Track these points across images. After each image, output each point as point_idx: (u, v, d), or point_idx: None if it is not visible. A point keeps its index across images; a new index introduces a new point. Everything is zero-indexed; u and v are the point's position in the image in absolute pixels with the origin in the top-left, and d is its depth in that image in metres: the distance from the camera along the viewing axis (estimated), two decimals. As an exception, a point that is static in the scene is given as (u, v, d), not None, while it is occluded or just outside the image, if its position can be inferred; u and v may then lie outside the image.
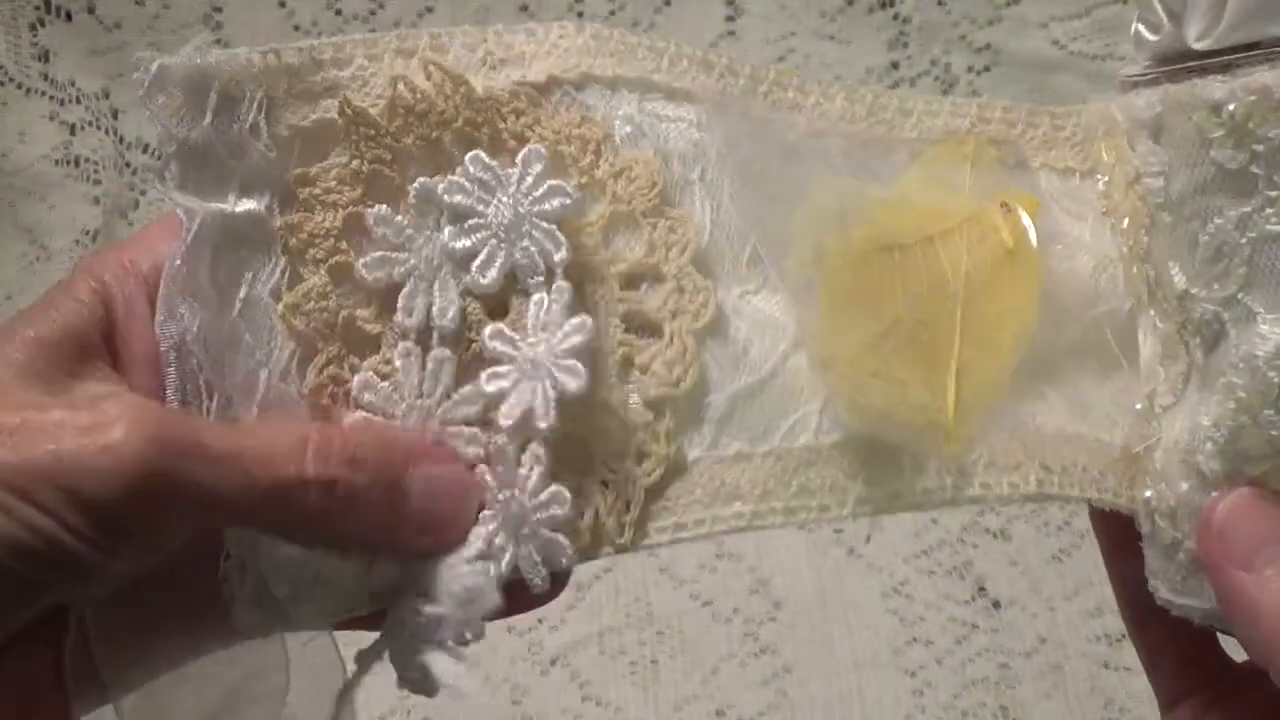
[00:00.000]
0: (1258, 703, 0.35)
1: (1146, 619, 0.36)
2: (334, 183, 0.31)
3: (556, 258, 0.31)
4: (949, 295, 0.34)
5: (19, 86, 0.83)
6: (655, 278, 0.33)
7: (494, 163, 0.31)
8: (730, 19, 0.82)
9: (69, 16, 0.81)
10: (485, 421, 0.30)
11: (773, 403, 0.33)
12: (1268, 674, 0.29)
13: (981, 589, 0.76)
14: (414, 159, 0.31)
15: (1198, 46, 0.30)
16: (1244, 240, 0.29)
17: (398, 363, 0.31)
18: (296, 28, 0.80)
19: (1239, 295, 0.30)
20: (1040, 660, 0.72)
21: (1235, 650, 0.36)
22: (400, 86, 0.31)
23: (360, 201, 0.31)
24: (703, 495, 0.32)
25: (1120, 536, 0.36)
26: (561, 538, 0.30)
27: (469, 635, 0.29)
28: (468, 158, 0.31)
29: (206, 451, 0.26)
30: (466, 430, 0.31)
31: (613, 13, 0.81)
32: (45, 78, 0.83)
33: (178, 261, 0.29)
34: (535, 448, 0.30)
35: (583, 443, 0.31)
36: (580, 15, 0.81)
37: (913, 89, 0.83)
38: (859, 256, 0.33)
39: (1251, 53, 0.29)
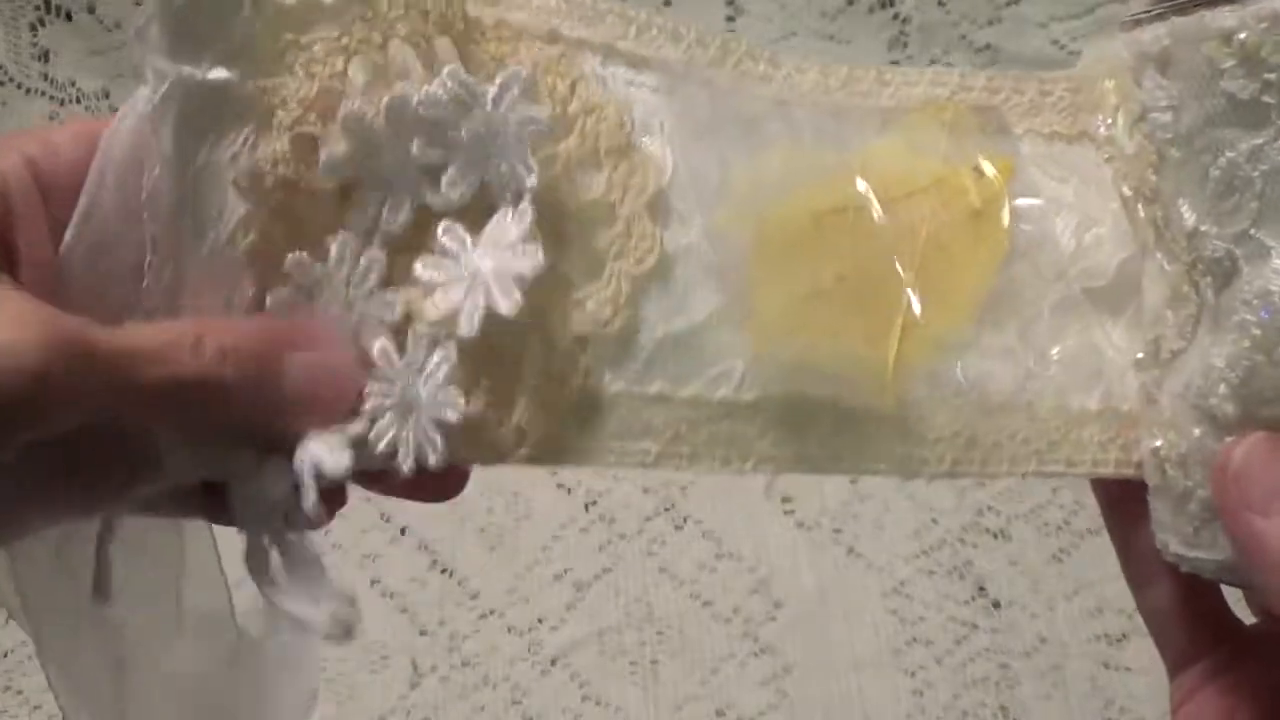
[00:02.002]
0: (1271, 663, 0.34)
1: (1151, 581, 0.36)
2: (318, 52, 0.31)
3: (527, 182, 0.31)
4: (903, 255, 0.34)
5: (19, 86, 0.83)
6: (608, 218, 0.33)
7: (471, 79, 0.31)
8: (730, 19, 0.82)
9: (69, 16, 0.81)
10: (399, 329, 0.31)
11: (702, 350, 0.33)
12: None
13: (981, 589, 0.76)
14: (399, 55, 0.31)
15: None
16: (1256, 173, 0.29)
17: (332, 250, 0.31)
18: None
19: (1251, 230, 0.29)
20: (1040, 660, 0.72)
21: (1244, 613, 0.36)
22: None
23: (340, 77, 0.31)
24: (616, 428, 0.33)
25: (1120, 497, 0.35)
26: (439, 436, 0.30)
27: (309, 506, 0.29)
28: (445, 70, 0.31)
29: (95, 353, 0.26)
30: (389, 295, 0.31)
31: (613, 13, 0.81)
32: (45, 78, 0.83)
33: (129, 122, 0.29)
34: (449, 346, 0.30)
35: (505, 357, 0.32)
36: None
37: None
38: (802, 218, 0.34)
39: None
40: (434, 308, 0.30)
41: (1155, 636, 0.37)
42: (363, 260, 0.31)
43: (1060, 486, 0.78)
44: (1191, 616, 0.35)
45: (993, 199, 0.35)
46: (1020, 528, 0.78)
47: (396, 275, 0.31)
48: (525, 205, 0.31)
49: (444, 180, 0.31)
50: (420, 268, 0.31)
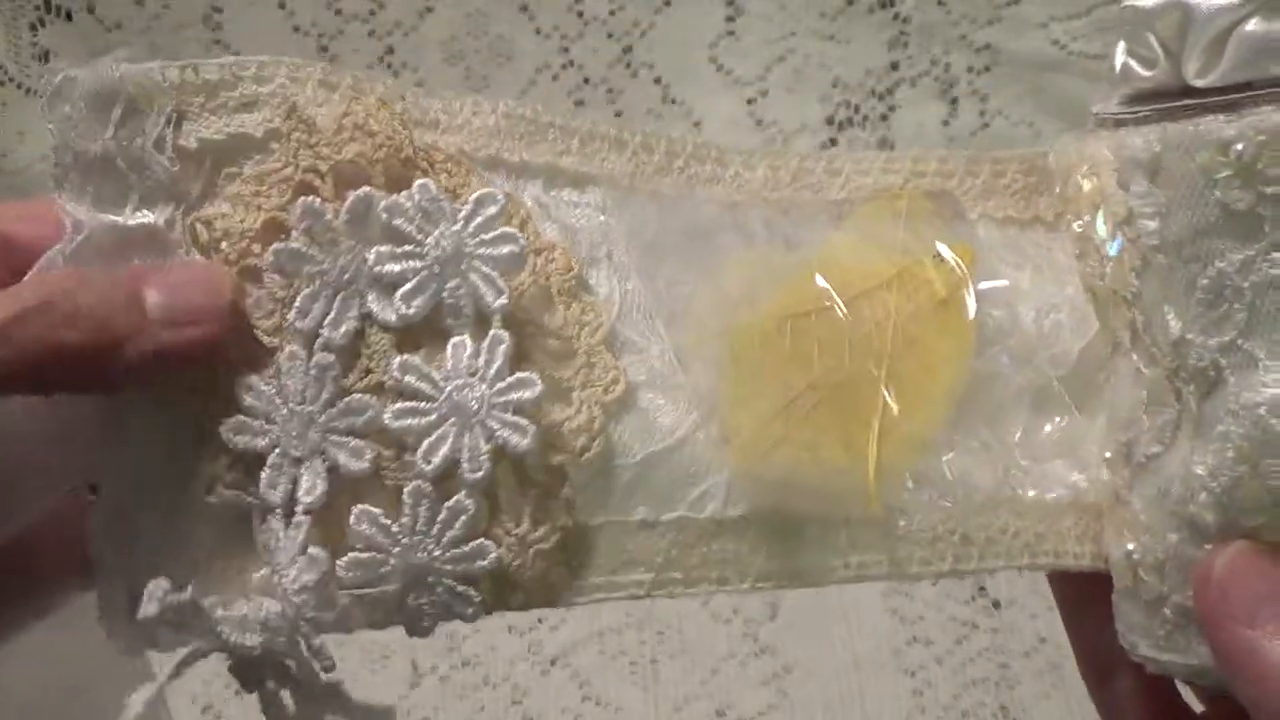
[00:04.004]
0: None
1: (1109, 675, 0.36)
2: (261, 185, 0.30)
3: (495, 303, 0.30)
4: (873, 353, 0.33)
5: (19, 86, 0.83)
6: (567, 352, 0.32)
7: (443, 196, 0.30)
8: (730, 19, 0.82)
9: (69, 16, 0.81)
10: (382, 441, 0.30)
11: (681, 470, 0.32)
12: None
13: (981, 589, 0.76)
14: (347, 181, 0.30)
15: (1198, 84, 0.29)
16: (1246, 284, 0.28)
17: (284, 366, 0.29)
18: (296, 28, 0.80)
19: (1239, 341, 0.29)
20: (1040, 660, 0.72)
21: (1194, 701, 0.36)
22: (354, 104, 0.31)
23: (283, 209, 0.30)
24: (605, 561, 0.32)
25: (1079, 593, 0.35)
26: (472, 591, 0.30)
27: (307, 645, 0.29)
28: (417, 184, 0.30)
29: None
30: (353, 442, 0.30)
31: (613, 12, 0.81)
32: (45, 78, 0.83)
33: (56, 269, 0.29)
34: (462, 499, 0.29)
35: (483, 498, 0.30)
36: (580, 15, 0.81)
37: (912, 89, 0.83)
38: (768, 327, 0.33)
39: (1257, 92, 0.28)
40: (428, 460, 0.29)
41: None
42: (312, 369, 0.29)
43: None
44: (1149, 709, 0.35)
45: (957, 286, 0.34)
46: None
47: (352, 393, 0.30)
48: (499, 330, 0.30)
49: (399, 294, 0.30)
50: (391, 418, 0.29)
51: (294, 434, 0.29)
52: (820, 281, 0.34)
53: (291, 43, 0.80)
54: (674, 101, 0.83)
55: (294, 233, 0.29)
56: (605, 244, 0.34)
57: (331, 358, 0.29)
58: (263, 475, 0.29)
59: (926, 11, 0.82)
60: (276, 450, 0.29)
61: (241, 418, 0.29)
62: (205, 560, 0.30)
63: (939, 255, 0.34)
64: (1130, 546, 0.32)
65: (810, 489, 0.32)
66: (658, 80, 0.82)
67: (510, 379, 0.30)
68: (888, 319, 0.34)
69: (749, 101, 0.83)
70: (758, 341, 0.33)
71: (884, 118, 0.83)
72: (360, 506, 0.29)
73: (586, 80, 0.82)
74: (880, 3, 0.82)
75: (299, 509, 0.29)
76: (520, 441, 0.29)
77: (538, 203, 0.33)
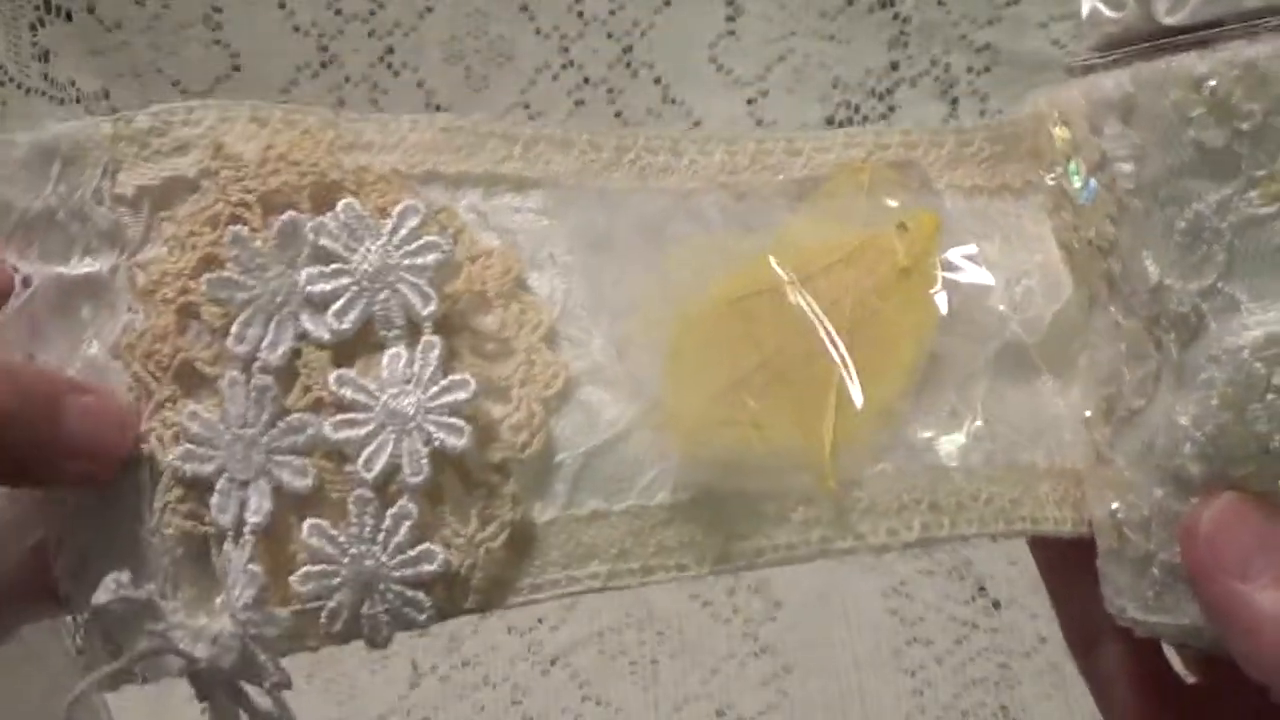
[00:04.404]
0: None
1: (1095, 644, 0.35)
2: (195, 225, 0.31)
3: (425, 311, 0.30)
4: (831, 329, 0.32)
5: (19, 86, 0.83)
6: (505, 352, 0.32)
7: (367, 213, 0.31)
8: (730, 19, 0.82)
9: (69, 16, 0.81)
10: (325, 454, 0.30)
11: (629, 459, 0.32)
12: (1226, 693, 0.27)
13: (981, 589, 0.76)
14: (276, 210, 0.31)
15: (1169, 21, 0.28)
16: (1224, 225, 0.27)
17: (225, 392, 0.30)
18: (296, 28, 0.80)
19: (1219, 284, 0.28)
20: (1040, 660, 0.72)
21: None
22: (278, 137, 0.31)
23: (216, 243, 0.31)
24: (558, 556, 0.31)
25: (1061, 560, 0.34)
26: (422, 595, 0.29)
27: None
28: (340, 204, 0.30)
29: None
30: (295, 460, 0.30)
31: (613, 12, 0.81)
32: (45, 78, 0.83)
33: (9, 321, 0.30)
34: (405, 503, 0.29)
35: (423, 501, 0.30)
36: (580, 15, 0.81)
37: (912, 89, 0.83)
38: (717, 310, 0.32)
39: (1229, 26, 0.27)
40: (369, 468, 0.29)
41: (1099, 698, 0.36)
42: (252, 391, 0.30)
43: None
44: (1139, 678, 0.35)
45: (921, 254, 0.33)
46: (1020, 528, 0.78)
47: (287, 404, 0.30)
48: (430, 337, 0.30)
49: (331, 311, 0.30)
50: (331, 430, 0.29)
51: (238, 457, 0.30)
52: (775, 263, 0.33)
53: (291, 43, 0.80)
54: (674, 101, 0.83)
55: (226, 263, 0.30)
56: (547, 246, 0.34)
57: (269, 379, 0.30)
58: (212, 500, 0.30)
59: (926, 11, 0.82)
60: (224, 475, 0.30)
61: (189, 446, 0.30)
62: (171, 591, 0.30)
63: (903, 225, 0.33)
64: (1114, 505, 0.31)
65: (758, 468, 0.32)
66: (658, 80, 0.82)
67: (444, 382, 0.30)
68: (846, 293, 0.33)
69: (749, 101, 0.83)
70: (705, 325, 0.32)
71: (884, 118, 0.83)
72: (309, 520, 0.29)
73: (586, 80, 0.82)
74: (880, 3, 0.82)
75: (246, 529, 0.29)
76: (457, 442, 0.29)
77: (475, 211, 0.33)
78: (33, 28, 0.82)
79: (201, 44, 0.80)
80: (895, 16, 0.83)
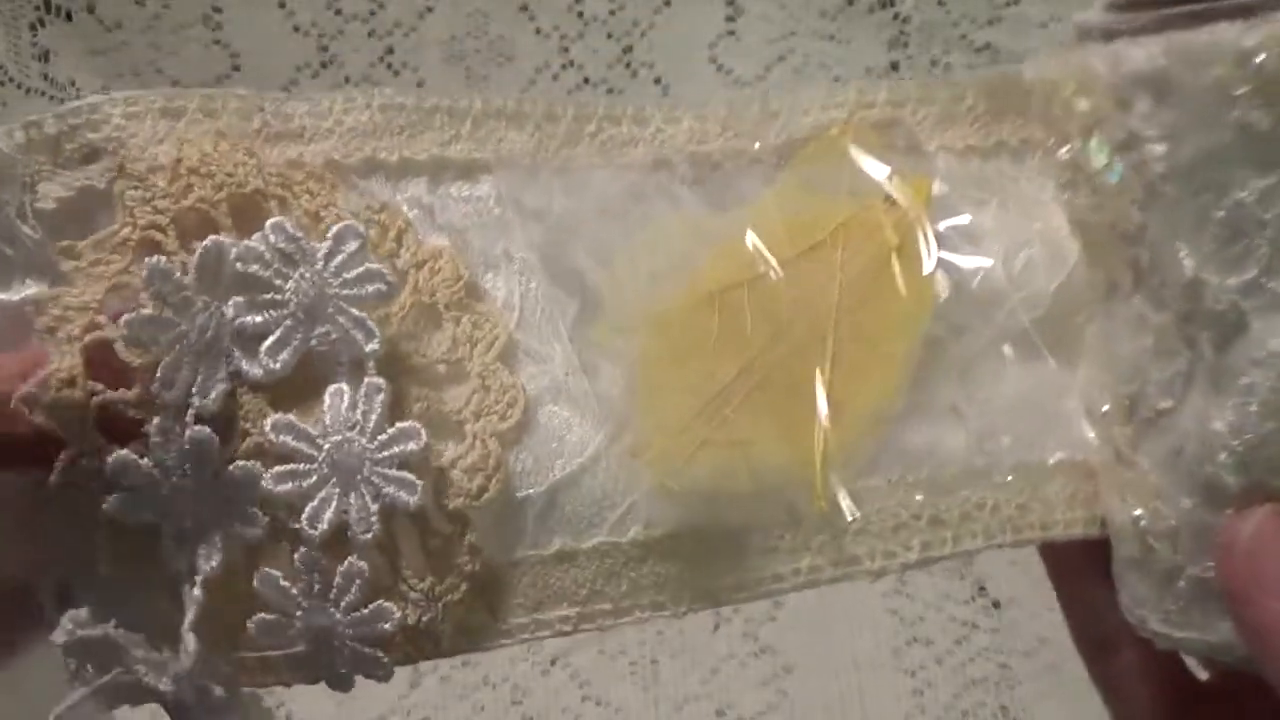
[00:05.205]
0: (1232, 715, 0.33)
1: (1107, 650, 0.33)
2: (101, 253, 0.27)
3: (368, 348, 0.27)
4: (818, 320, 0.29)
5: (19, 86, 0.83)
6: (458, 376, 0.29)
7: (299, 234, 0.27)
8: (730, 19, 0.82)
9: (69, 16, 0.81)
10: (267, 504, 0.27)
11: (596, 493, 0.29)
12: (1246, 696, 0.26)
13: (981, 589, 0.76)
14: (193, 230, 0.27)
15: None
16: (1269, 215, 0.25)
17: (155, 440, 0.26)
18: (296, 28, 0.80)
19: (1263, 280, 0.25)
20: (1040, 660, 0.72)
21: (1197, 667, 0.34)
22: (186, 147, 0.28)
23: (127, 271, 0.27)
24: (525, 601, 0.29)
25: (1072, 563, 0.33)
26: (379, 653, 0.28)
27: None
28: (269, 224, 0.27)
29: None
30: (246, 510, 0.27)
31: (613, 12, 0.81)
32: (45, 78, 0.83)
33: None
34: (355, 561, 0.27)
35: (379, 554, 0.28)
36: (580, 15, 0.81)
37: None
38: (691, 309, 0.29)
39: None
40: (314, 526, 0.27)
41: (1108, 702, 0.35)
42: (187, 443, 0.26)
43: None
44: (1157, 681, 0.33)
45: (912, 230, 0.30)
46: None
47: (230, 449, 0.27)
48: (375, 379, 0.27)
49: (264, 348, 0.27)
50: (272, 482, 0.27)
51: (182, 509, 0.27)
52: (753, 246, 0.30)
53: (291, 43, 0.80)
54: (674, 101, 0.83)
55: (142, 296, 0.26)
56: (502, 241, 0.30)
57: (206, 431, 0.27)
58: (161, 547, 0.28)
59: (926, 11, 0.82)
60: (168, 521, 0.27)
61: (125, 495, 0.27)
62: (140, 621, 0.28)
63: (890, 198, 0.30)
64: (1137, 512, 0.29)
65: (742, 495, 0.29)
66: (658, 80, 0.82)
67: (391, 431, 0.27)
68: (832, 279, 0.30)
69: (749, 101, 0.83)
70: (677, 327, 0.29)
71: (884, 118, 0.83)
72: (261, 570, 0.27)
73: (586, 80, 0.82)
74: (880, 3, 0.82)
75: (198, 578, 0.27)
76: (409, 499, 0.27)
77: (420, 206, 0.30)
78: (33, 28, 0.82)
79: (201, 44, 0.80)
80: (895, 16, 0.82)
